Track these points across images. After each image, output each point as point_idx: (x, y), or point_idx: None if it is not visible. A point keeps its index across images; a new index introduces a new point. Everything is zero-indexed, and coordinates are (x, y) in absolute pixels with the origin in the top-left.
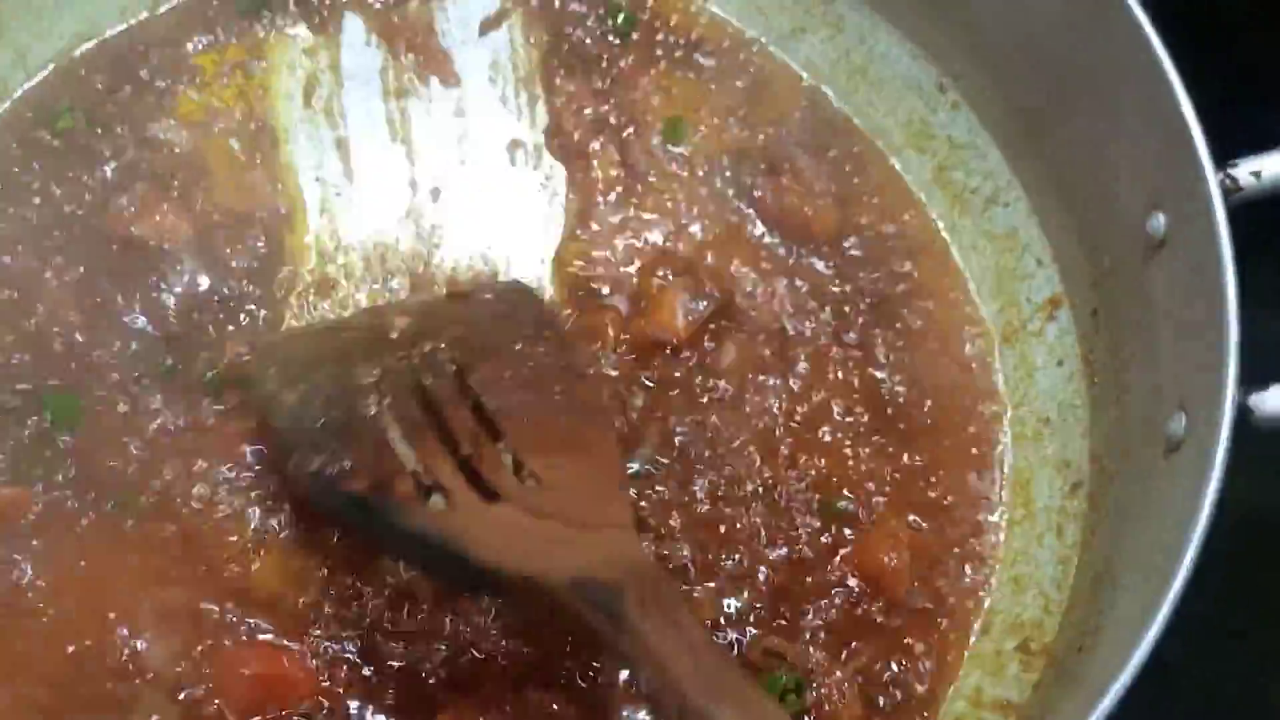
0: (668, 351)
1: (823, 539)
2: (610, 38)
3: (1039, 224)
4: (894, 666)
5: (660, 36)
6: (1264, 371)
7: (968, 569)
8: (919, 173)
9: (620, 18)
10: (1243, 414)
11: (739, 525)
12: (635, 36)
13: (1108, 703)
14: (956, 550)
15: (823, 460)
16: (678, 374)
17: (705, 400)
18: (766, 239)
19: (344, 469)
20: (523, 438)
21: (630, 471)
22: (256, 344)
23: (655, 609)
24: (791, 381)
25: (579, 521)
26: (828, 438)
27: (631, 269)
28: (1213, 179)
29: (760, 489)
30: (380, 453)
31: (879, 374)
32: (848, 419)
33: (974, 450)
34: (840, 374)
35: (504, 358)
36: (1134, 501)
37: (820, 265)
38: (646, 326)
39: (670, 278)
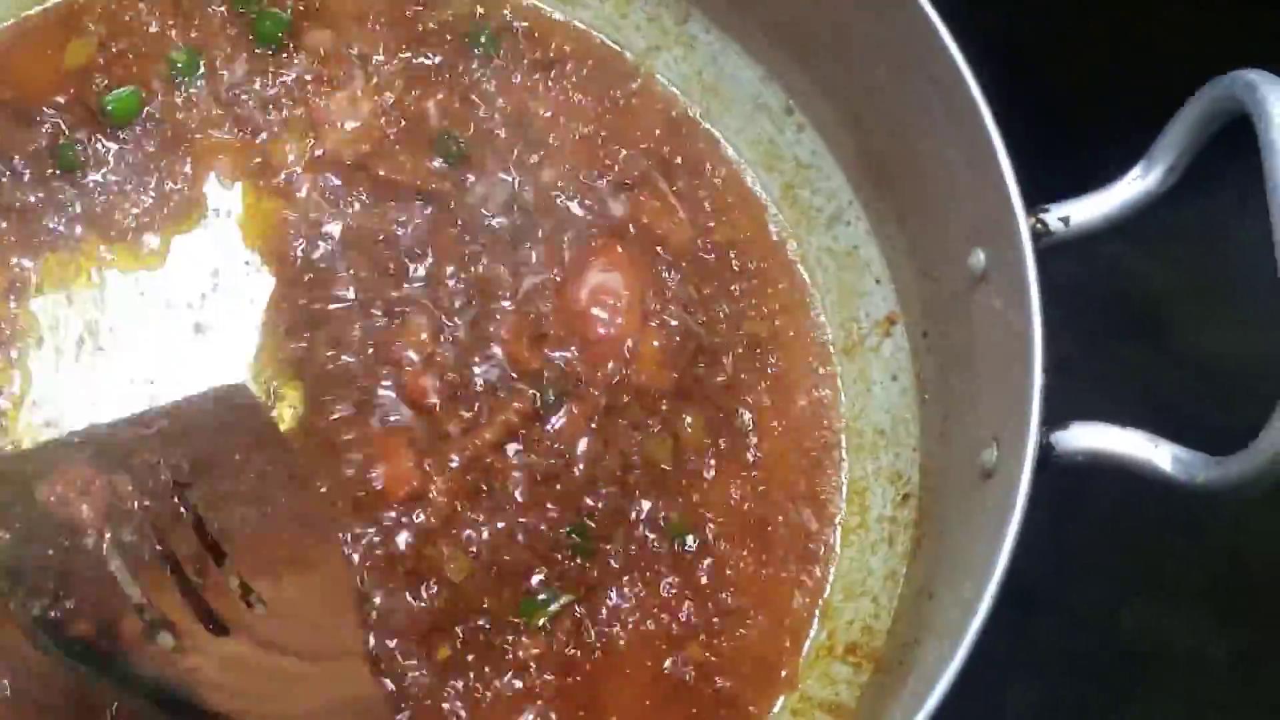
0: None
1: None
2: (474, 64)
3: (877, 244)
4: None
5: (523, 49)
6: (1070, 411)
7: (805, 574)
8: (770, 190)
9: (484, 38)
10: (1045, 451)
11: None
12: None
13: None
14: (794, 555)
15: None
16: None
17: None
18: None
19: (66, 611)
20: (248, 558)
21: None
22: None
23: None
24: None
25: (310, 652)
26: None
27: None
28: (1024, 223)
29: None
30: (102, 589)
31: (728, 386)
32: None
33: (814, 457)
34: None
35: (225, 470)
36: (954, 520)
37: (673, 279)
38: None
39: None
